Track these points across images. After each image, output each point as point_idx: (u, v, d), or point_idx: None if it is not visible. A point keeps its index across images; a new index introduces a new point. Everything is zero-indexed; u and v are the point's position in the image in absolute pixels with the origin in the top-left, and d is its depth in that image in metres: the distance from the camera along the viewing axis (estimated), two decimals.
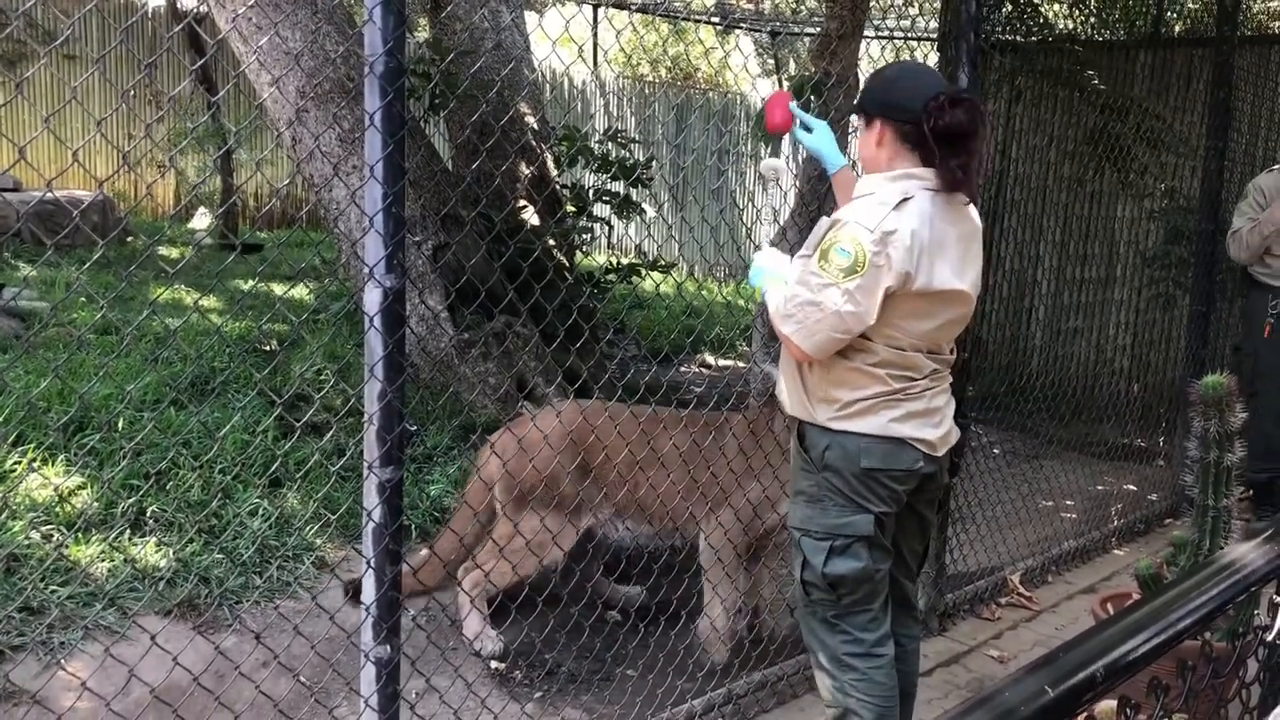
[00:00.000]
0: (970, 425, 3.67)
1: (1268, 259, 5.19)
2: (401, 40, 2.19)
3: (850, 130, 4.24)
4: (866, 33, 9.12)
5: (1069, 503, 5.50)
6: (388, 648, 2.31)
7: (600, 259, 9.44)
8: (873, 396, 2.55)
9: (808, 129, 2.89)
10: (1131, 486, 5.80)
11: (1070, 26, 7.58)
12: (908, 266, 2.44)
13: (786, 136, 2.96)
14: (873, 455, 2.55)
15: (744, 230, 10.08)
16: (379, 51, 2.16)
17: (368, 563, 2.27)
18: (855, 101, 2.69)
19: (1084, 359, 7.31)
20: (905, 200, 2.47)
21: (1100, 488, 5.71)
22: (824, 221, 2.58)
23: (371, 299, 2.22)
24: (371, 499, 2.27)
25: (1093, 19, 7.64)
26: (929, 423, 2.60)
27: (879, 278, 2.43)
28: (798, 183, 4.50)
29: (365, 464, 2.26)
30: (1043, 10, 7.38)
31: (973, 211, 2.65)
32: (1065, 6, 7.73)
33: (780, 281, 2.63)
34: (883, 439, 2.55)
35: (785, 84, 10.51)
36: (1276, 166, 5.28)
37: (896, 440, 2.56)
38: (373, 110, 2.17)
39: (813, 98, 3.64)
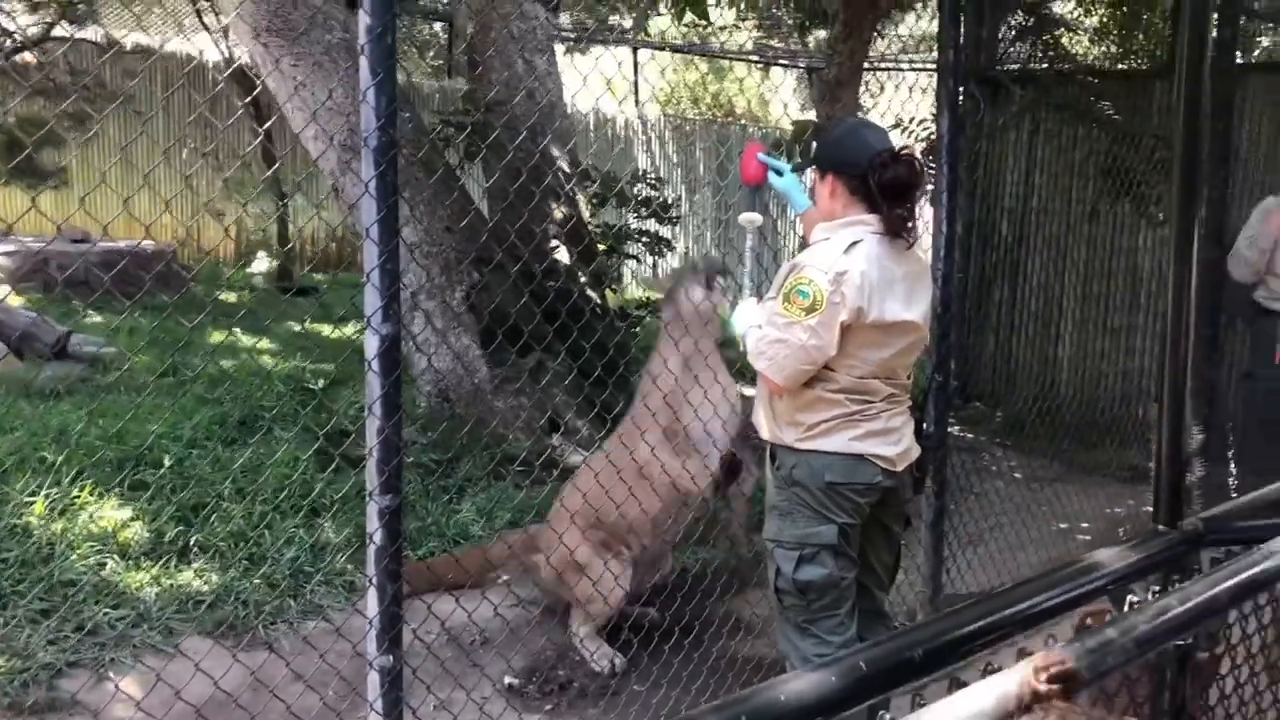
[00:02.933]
0: (937, 447, 3.84)
1: (1272, 283, 5.28)
2: (393, 116, 2.47)
3: None
4: (882, 64, 9.35)
5: (1084, 525, 5.61)
6: (390, 657, 2.56)
7: (639, 294, 9.70)
8: (833, 418, 2.81)
9: (779, 173, 3.16)
10: (1150, 508, 5.86)
11: (1089, 57, 7.73)
12: (860, 302, 2.71)
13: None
14: (835, 470, 2.82)
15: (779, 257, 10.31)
16: (373, 127, 2.43)
17: (369, 580, 2.53)
18: (811, 157, 2.95)
19: (1111, 383, 7.41)
20: (855, 244, 2.75)
21: (1119, 510, 5.81)
22: (785, 267, 2.85)
23: (370, 345, 2.49)
24: (373, 523, 2.53)
25: (1114, 47, 7.77)
26: (887, 441, 2.85)
27: (836, 313, 2.71)
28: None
29: (367, 492, 2.53)
30: (1064, 43, 7.53)
31: (918, 251, 2.90)
32: (1086, 36, 7.89)
33: (754, 325, 2.91)
34: (844, 456, 2.82)
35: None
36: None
37: (856, 457, 2.82)
38: (367, 179, 2.45)
39: (796, 147, 3.89)
